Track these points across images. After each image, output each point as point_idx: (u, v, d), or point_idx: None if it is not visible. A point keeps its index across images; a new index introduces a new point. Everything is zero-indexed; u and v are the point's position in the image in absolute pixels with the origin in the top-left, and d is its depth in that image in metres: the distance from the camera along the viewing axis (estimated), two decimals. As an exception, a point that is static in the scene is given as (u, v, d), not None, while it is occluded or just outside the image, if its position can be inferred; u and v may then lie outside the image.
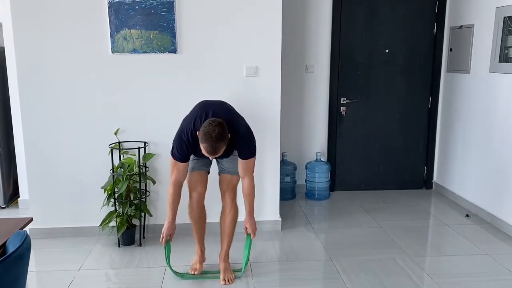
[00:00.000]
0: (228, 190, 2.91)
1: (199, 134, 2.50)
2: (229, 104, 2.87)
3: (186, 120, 2.73)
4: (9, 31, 3.93)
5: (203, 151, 2.51)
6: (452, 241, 3.56)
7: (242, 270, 2.98)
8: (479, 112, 4.09)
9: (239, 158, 2.73)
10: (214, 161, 2.94)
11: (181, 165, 2.71)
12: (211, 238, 3.32)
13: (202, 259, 3.02)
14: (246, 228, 2.86)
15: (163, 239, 2.79)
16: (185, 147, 2.65)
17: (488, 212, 3.94)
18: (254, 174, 3.64)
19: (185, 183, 2.89)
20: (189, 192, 2.90)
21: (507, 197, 3.71)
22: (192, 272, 2.96)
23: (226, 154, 2.69)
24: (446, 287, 2.84)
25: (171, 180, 2.75)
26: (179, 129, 2.71)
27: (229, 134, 2.53)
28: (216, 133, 2.44)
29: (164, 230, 2.79)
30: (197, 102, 2.84)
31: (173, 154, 2.71)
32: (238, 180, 2.89)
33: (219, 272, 2.96)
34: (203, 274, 2.98)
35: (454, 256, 3.29)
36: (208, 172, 2.96)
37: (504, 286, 2.85)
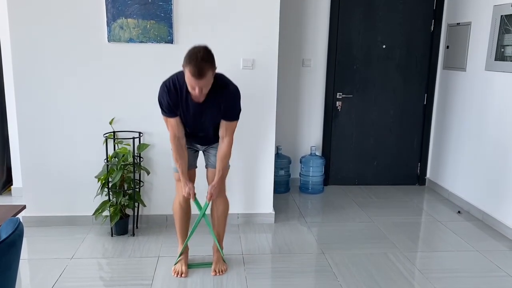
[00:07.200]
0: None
1: (184, 61, 2.41)
2: None
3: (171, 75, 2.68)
4: (4, 17, 3.89)
5: (189, 79, 2.40)
6: (443, 237, 3.59)
7: (216, 241, 2.95)
8: (473, 110, 4.11)
9: (222, 120, 2.67)
10: (201, 154, 2.92)
11: (172, 120, 2.64)
12: (200, 228, 3.33)
13: (186, 260, 2.97)
14: (211, 194, 2.77)
15: (191, 197, 2.77)
16: (166, 97, 2.57)
17: (480, 209, 3.98)
18: (247, 167, 3.67)
19: (175, 179, 2.88)
20: (178, 189, 2.88)
21: (499, 195, 3.74)
22: (177, 276, 2.85)
23: (211, 108, 2.59)
24: (436, 282, 2.87)
25: (170, 137, 2.70)
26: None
27: (215, 68, 2.46)
28: (202, 53, 2.37)
29: (185, 192, 2.75)
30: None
31: (160, 107, 2.65)
32: (226, 175, 2.88)
33: (210, 263, 2.97)
34: (195, 265, 2.99)
35: (445, 252, 3.32)
36: (196, 167, 2.94)
37: (493, 282, 2.89)
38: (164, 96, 2.59)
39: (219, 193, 2.89)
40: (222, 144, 2.72)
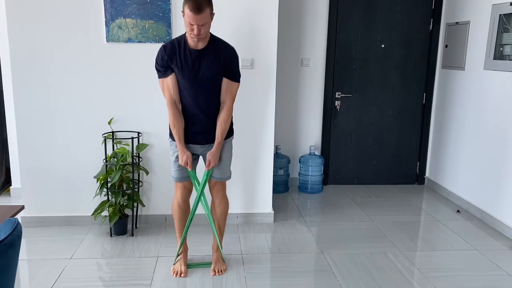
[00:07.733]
0: (217, 185, 2.88)
1: (183, 1, 2.45)
2: None
3: None
4: (3, 18, 3.89)
5: (188, 16, 2.42)
6: (442, 236, 3.60)
7: (209, 218, 2.93)
8: (472, 109, 4.11)
9: (224, 78, 2.66)
10: (201, 159, 2.90)
11: (168, 81, 2.64)
12: (200, 228, 3.34)
13: (186, 260, 2.96)
14: (209, 161, 2.74)
15: (188, 166, 2.75)
16: (161, 53, 2.60)
17: (479, 208, 3.98)
18: (246, 167, 3.67)
19: (174, 181, 2.87)
20: (176, 189, 2.88)
21: (498, 193, 3.74)
22: (176, 276, 2.86)
23: (210, 57, 2.60)
24: (436, 281, 2.87)
25: (167, 102, 2.69)
26: None
27: (213, 11, 2.52)
28: None
29: (182, 161, 2.72)
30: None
31: (156, 70, 2.67)
32: (226, 181, 2.89)
33: (209, 263, 2.97)
34: (195, 265, 2.99)
35: (444, 251, 3.32)
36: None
37: (492, 281, 2.89)
38: (159, 54, 2.64)
39: (221, 193, 2.90)
40: (223, 110, 2.72)
